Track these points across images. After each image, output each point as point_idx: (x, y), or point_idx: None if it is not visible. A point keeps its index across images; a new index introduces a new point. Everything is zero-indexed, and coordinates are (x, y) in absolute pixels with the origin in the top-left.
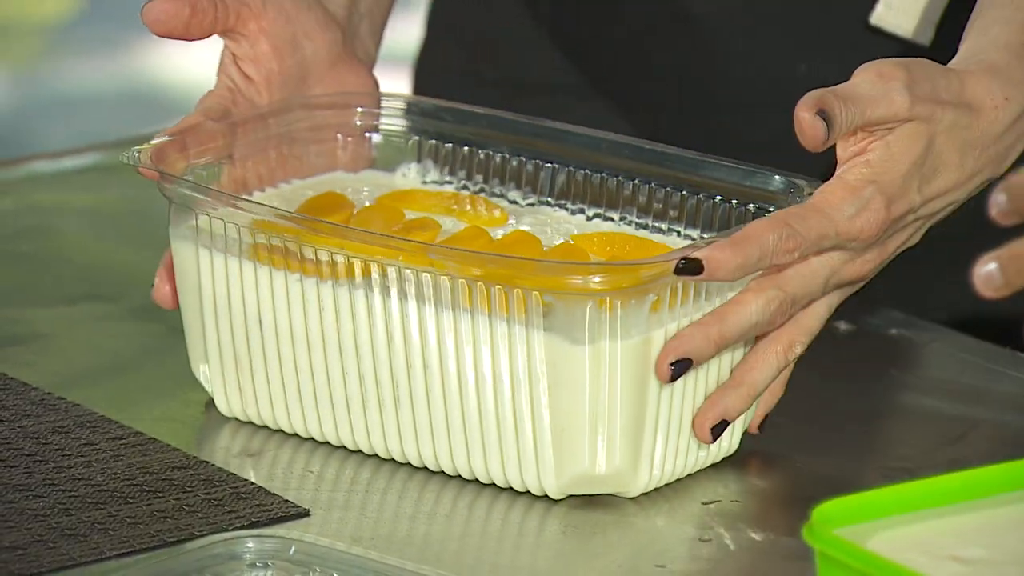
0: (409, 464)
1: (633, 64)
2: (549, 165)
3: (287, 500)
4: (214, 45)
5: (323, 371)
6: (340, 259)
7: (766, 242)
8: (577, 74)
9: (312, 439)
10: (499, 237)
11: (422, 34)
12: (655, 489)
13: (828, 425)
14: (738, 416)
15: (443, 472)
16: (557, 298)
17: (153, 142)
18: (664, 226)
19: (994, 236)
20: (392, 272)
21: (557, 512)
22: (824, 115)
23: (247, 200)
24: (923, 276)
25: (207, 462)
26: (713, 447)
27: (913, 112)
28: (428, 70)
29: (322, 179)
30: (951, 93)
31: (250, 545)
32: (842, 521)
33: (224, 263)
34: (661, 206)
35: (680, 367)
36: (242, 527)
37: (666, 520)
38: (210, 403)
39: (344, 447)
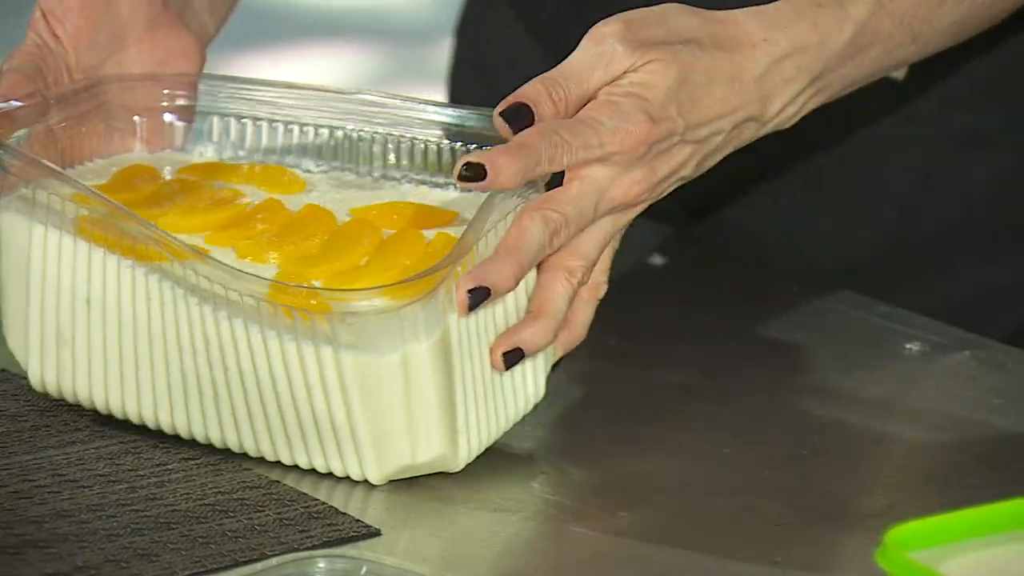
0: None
1: None
2: (337, 132)
3: (358, 520)
4: (274, 59)
5: (147, 357)
6: (165, 253)
7: (539, 147)
8: None
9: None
10: (295, 211)
11: (452, 47)
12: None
13: (896, 445)
14: (536, 348)
15: (263, 458)
16: (358, 315)
17: None
18: (441, 180)
19: None
20: (201, 280)
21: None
22: (522, 109)
23: (75, 181)
24: (992, 296)
25: (279, 482)
26: (521, 399)
27: (636, 58)
28: (458, 85)
29: (122, 158)
30: (695, 31)
31: (321, 565)
32: (916, 544)
33: (58, 239)
34: (435, 161)
35: (478, 295)
36: (313, 547)
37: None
38: None
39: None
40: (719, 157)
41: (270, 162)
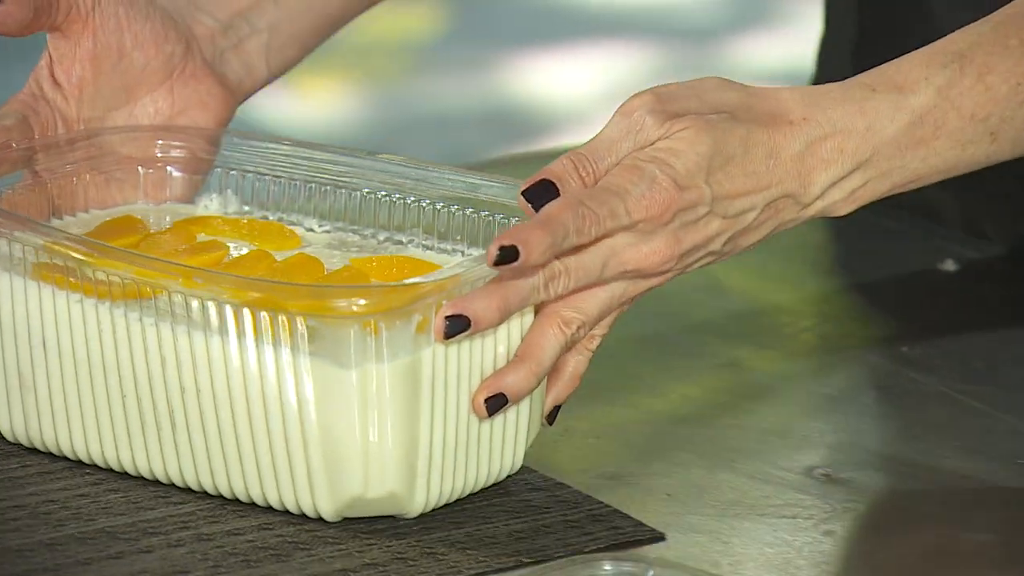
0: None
1: None
2: (342, 191)
3: (642, 524)
4: (561, 58)
5: (104, 394)
6: (115, 279)
7: (567, 220)
8: None
9: (95, 464)
10: (281, 260)
11: (823, 23)
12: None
13: None
14: (520, 395)
15: (221, 496)
16: (321, 322)
17: None
18: (448, 247)
19: None
20: (164, 295)
21: None
22: (548, 187)
23: (32, 221)
24: None
25: (564, 484)
26: (496, 464)
27: (667, 128)
28: (826, 62)
29: (123, 210)
30: (731, 104)
31: (608, 568)
32: None
33: (9, 282)
34: (444, 228)
35: (456, 324)
36: (598, 549)
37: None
38: (567, 429)
39: (141, 475)
40: (756, 237)
41: (272, 218)
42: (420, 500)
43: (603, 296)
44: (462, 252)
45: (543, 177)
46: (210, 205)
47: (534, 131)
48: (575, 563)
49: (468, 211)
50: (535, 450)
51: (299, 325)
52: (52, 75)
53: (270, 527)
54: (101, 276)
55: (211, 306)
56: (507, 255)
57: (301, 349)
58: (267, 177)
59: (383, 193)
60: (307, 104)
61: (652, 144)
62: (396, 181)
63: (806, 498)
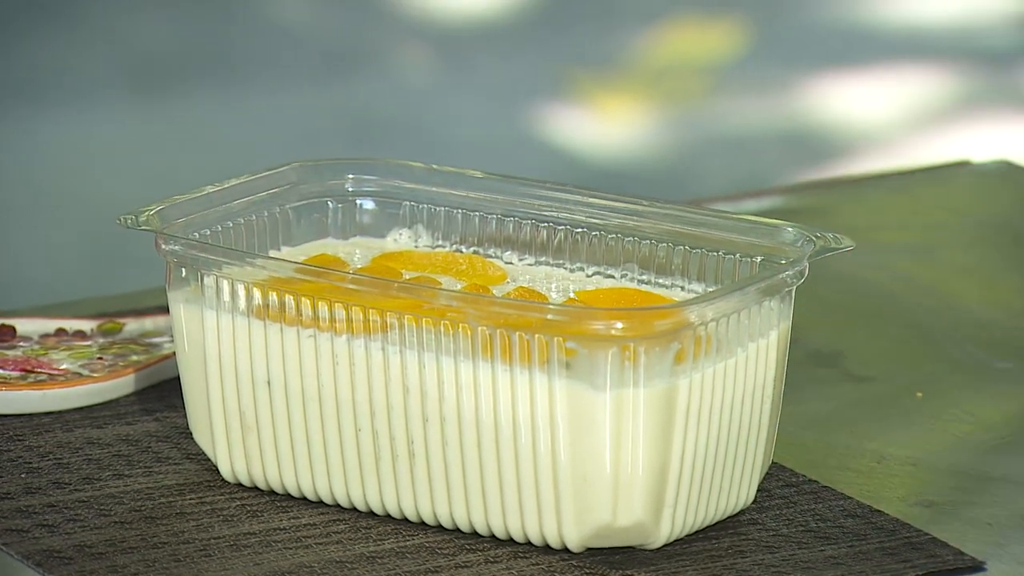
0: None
1: None
2: (544, 225)
3: (961, 552)
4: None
5: (335, 429)
6: (355, 312)
7: None
8: None
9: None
10: (502, 295)
11: None
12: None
13: None
14: None
15: (459, 530)
16: (580, 344)
17: None
18: (667, 281)
19: None
20: (408, 323)
21: None
22: None
23: (264, 257)
24: None
25: (881, 512)
26: (733, 498)
27: None
28: None
29: (312, 245)
30: None
31: None
32: None
33: (231, 323)
34: (663, 261)
35: None
36: None
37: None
38: (883, 456)
39: (355, 508)
40: None
41: (467, 252)
42: (665, 531)
43: None
44: (681, 287)
45: None
46: (399, 239)
47: (832, 156)
48: None
49: (685, 246)
50: (851, 476)
51: (556, 347)
52: None
53: (497, 560)
54: (338, 310)
55: (462, 331)
56: None
57: (556, 371)
58: (459, 211)
59: (596, 227)
60: (603, 122)
61: None
62: (606, 215)
63: None
